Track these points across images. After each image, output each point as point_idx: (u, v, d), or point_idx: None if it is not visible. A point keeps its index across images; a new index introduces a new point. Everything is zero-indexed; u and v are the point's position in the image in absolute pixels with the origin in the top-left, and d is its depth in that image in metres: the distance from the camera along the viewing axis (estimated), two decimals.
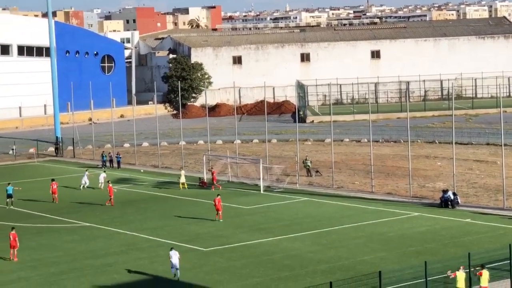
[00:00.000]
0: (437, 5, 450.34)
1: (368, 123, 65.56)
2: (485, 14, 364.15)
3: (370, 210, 52.91)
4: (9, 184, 60.24)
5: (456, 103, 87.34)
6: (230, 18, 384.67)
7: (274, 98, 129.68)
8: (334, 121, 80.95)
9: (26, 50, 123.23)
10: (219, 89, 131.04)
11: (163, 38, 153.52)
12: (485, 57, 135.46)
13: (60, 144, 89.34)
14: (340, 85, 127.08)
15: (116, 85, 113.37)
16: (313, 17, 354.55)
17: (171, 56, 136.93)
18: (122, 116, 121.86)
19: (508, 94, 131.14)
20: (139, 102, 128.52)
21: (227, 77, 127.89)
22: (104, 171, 68.79)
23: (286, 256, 41.52)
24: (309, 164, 67.97)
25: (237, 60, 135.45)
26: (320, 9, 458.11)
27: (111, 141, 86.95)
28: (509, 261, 34.92)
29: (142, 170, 74.75)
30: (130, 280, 38.42)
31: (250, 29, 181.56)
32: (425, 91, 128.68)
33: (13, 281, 39.04)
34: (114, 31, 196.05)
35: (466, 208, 51.98)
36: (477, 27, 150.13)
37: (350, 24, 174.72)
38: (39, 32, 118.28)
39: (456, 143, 60.74)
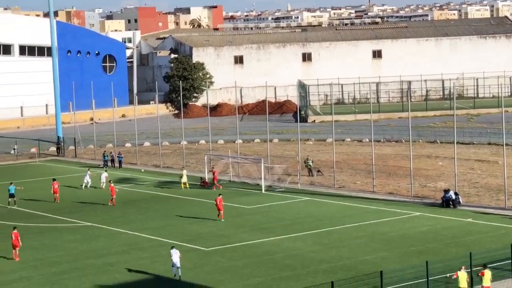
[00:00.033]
0: (438, 5, 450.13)
1: (370, 123, 65.55)
2: (487, 14, 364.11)
3: (371, 210, 52.91)
4: (11, 183, 60.34)
5: (458, 103, 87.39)
6: (232, 17, 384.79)
7: (275, 97, 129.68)
8: (336, 121, 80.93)
9: (27, 50, 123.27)
10: (220, 88, 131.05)
11: (164, 38, 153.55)
12: (486, 56, 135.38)
13: (62, 143, 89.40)
14: (342, 84, 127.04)
15: (118, 84, 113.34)
16: (314, 16, 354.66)
17: (172, 55, 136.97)
18: (123, 115, 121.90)
19: (509, 93, 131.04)
20: (140, 102, 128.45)
21: (229, 77, 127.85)
22: (106, 171, 68.86)
23: (287, 256, 41.53)
24: (311, 163, 67.97)
25: (239, 60, 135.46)
26: (321, 9, 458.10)
27: (112, 141, 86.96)
28: (510, 261, 34.95)
29: (142, 170, 74.77)
30: (132, 280, 38.44)
31: (251, 28, 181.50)
32: (427, 91, 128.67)
33: (15, 280, 39.09)
34: (116, 30, 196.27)
35: (468, 208, 51.97)
36: (479, 26, 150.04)
37: (352, 24, 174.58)
38: (40, 32, 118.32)
39: (457, 142, 60.77)
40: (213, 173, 64.06)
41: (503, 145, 55.82)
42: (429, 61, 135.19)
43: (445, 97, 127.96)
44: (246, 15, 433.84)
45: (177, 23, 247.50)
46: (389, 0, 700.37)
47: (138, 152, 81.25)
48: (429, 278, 33.12)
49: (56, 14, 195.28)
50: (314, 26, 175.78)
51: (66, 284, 38.06)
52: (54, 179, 61.67)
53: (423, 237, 44.73)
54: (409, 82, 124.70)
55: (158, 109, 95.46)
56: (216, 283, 37.23)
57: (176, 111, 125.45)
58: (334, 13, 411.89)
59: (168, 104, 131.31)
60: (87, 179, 65.71)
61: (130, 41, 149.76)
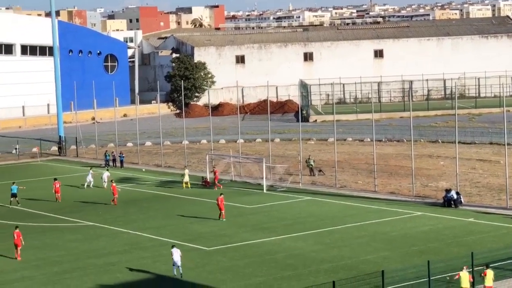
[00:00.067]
0: (440, 4, 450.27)
1: (371, 123, 65.52)
2: (489, 13, 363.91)
3: (373, 209, 52.90)
4: (13, 183, 60.38)
5: (459, 102, 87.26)
6: (233, 17, 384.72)
7: (277, 97, 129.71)
8: (337, 121, 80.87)
9: (29, 50, 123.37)
10: (222, 88, 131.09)
11: (166, 38, 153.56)
12: (488, 56, 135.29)
13: (63, 143, 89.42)
14: (343, 84, 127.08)
15: (119, 84, 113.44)
16: (316, 16, 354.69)
17: (174, 55, 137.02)
18: (125, 115, 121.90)
19: (511, 93, 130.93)
20: (142, 102, 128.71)
21: (230, 77, 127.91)
22: (107, 170, 68.88)
23: (289, 256, 41.53)
24: (312, 163, 67.95)
25: (240, 60, 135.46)
26: (323, 9, 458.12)
27: (114, 140, 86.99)
28: None
29: (144, 169, 74.76)
30: (133, 279, 38.46)
31: (253, 28, 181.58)
32: (428, 91, 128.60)
33: (17, 280, 39.13)
34: (117, 30, 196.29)
35: (469, 208, 51.94)
36: (480, 26, 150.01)
37: (353, 24, 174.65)
38: (42, 31, 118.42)
39: (459, 142, 60.73)
40: (214, 173, 64.08)
41: (504, 144, 55.84)
42: (431, 60, 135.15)
43: (447, 97, 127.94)
44: (248, 15, 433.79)
45: (178, 23, 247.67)
46: (391, 0, 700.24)
47: (139, 152, 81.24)
48: (431, 278, 33.11)
49: (57, 13, 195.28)
50: (315, 25, 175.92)
51: (67, 284, 38.09)
52: (55, 179, 61.73)
53: (424, 236, 44.71)
54: (411, 82, 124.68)
55: (160, 109, 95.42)
56: (218, 282, 37.24)
57: (178, 111, 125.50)
58: (336, 13, 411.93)
59: (170, 103, 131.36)
60: (90, 178, 65.76)
61: (131, 40, 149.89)
